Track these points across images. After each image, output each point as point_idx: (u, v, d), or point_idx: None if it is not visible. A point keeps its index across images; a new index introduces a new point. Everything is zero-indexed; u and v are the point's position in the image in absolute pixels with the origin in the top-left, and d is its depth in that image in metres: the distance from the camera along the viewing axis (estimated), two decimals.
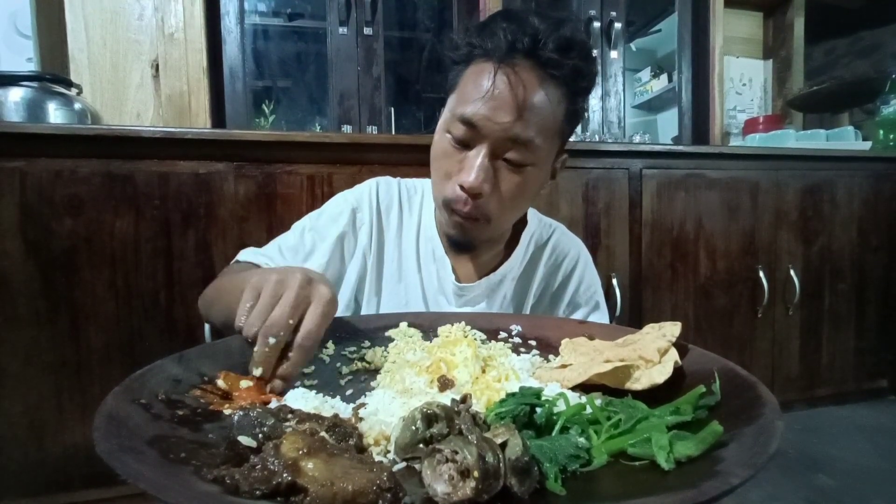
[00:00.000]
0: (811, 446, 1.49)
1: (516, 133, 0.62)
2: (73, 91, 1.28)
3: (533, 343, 0.60)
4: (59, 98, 1.22)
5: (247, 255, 0.76)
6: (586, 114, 2.01)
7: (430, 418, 0.33)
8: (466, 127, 0.63)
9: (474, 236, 0.70)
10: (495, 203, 0.66)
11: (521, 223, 0.83)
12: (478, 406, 0.39)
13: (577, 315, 0.81)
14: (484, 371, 0.48)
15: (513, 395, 0.38)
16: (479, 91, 0.62)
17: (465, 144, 0.65)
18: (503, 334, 0.62)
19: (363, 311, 0.79)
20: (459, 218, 0.67)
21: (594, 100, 2.03)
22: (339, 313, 0.75)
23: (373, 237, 0.79)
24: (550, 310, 0.83)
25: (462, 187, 0.64)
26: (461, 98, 0.64)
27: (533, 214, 0.85)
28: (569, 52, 0.63)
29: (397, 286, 0.79)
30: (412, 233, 0.80)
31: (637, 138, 1.96)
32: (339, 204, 0.80)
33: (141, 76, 1.54)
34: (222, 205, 1.15)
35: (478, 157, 0.63)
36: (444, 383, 0.44)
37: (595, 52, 2.01)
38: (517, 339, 0.61)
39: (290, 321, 0.44)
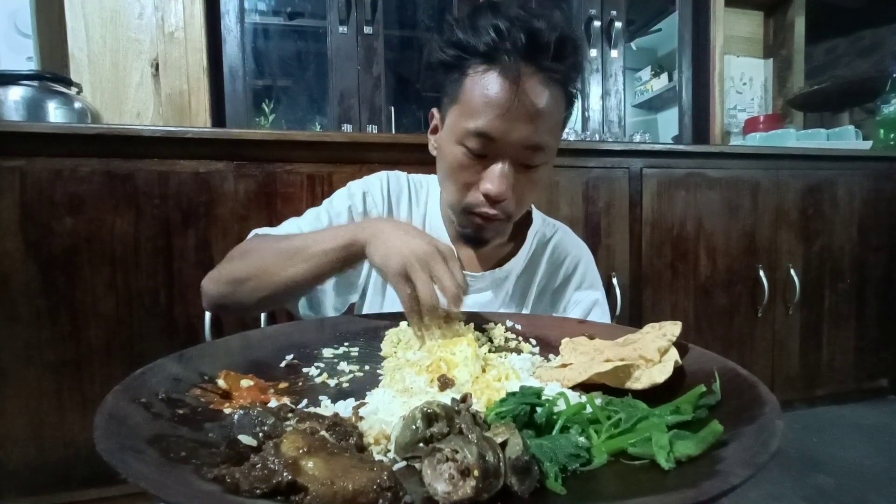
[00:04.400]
0: (811, 446, 1.49)
1: (533, 141, 0.65)
2: (73, 90, 1.28)
3: (533, 342, 0.60)
4: (59, 97, 1.22)
5: (264, 233, 0.76)
6: (586, 110, 2.01)
7: (430, 417, 0.33)
8: (483, 140, 0.64)
9: (491, 233, 0.73)
10: (515, 203, 0.69)
11: (528, 221, 0.84)
12: (478, 405, 0.39)
13: (578, 312, 0.81)
14: (484, 370, 0.48)
15: (513, 394, 0.38)
16: (492, 106, 0.63)
17: (481, 155, 0.66)
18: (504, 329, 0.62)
19: (369, 298, 0.80)
20: (482, 220, 0.70)
21: (594, 99, 2.03)
22: (350, 298, 0.79)
23: None
24: (551, 307, 0.83)
25: (488, 197, 0.67)
26: (470, 111, 0.64)
27: (537, 214, 0.87)
28: (566, 52, 0.64)
29: None
30: (419, 224, 0.82)
31: (637, 137, 1.95)
32: (351, 188, 0.82)
33: (141, 75, 1.53)
34: (222, 204, 1.15)
35: (498, 167, 0.66)
36: (445, 383, 0.44)
37: (595, 53, 2.00)
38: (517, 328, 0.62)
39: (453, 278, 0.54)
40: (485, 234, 0.72)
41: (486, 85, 0.63)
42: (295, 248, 0.63)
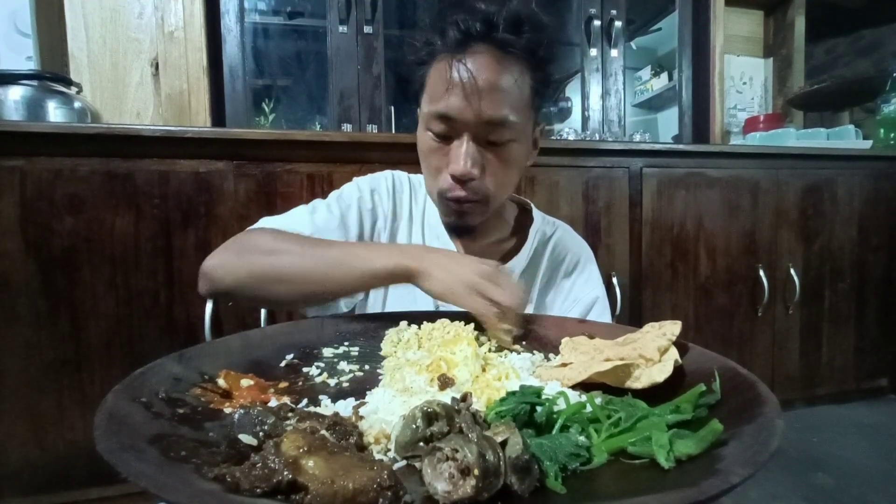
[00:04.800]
0: (811, 445, 1.49)
1: (489, 116, 0.66)
2: (73, 90, 1.28)
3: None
4: (59, 97, 1.22)
5: (272, 223, 0.74)
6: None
7: (430, 417, 0.33)
8: (443, 122, 0.67)
9: (473, 218, 0.73)
10: (487, 183, 0.70)
11: (529, 220, 0.85)
12: (478, 405, 0.39)
13: (578, 309, 0.82)
14: (484, 370, 0.48)
15: (513, 393, 0.38)
16: (446, 85, 0.65)
17: (446, 137, 0.68)
18: None
19: (372, 295, 0.80)
20: (456, 204, 0.71)
21: (594, 99, 2.03)
22: (358, 296, 0.78)
23: (388, 220, 0.82)
24: (552, 304, 0.84)
25: (454, 177, 0.68)
26: (432, 96, 0.68)
27: (537, 213, 0.87)
28: (520, 28, 0.65)
29: None
30: (419, 221, 0.83)
31: (637, 137, 1.95)
32: (359, 183, 0.84)
33: (141, 75, 1.53)
34: (222, 203, 1.15)
35: (462, 146, 0.67)
36: (445, 382, 0.44)
37: (595, 52, 2.00)
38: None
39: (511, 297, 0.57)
40: (466, 219, 0.73)
41: (443, 68, 0.66)
42: (336, 260, 0.63)
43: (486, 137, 0.68)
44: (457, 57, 0.65)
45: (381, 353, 0.55)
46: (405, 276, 0.61)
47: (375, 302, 0.80)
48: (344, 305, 0.78)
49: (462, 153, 0.66)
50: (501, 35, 0.64)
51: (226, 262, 0.66)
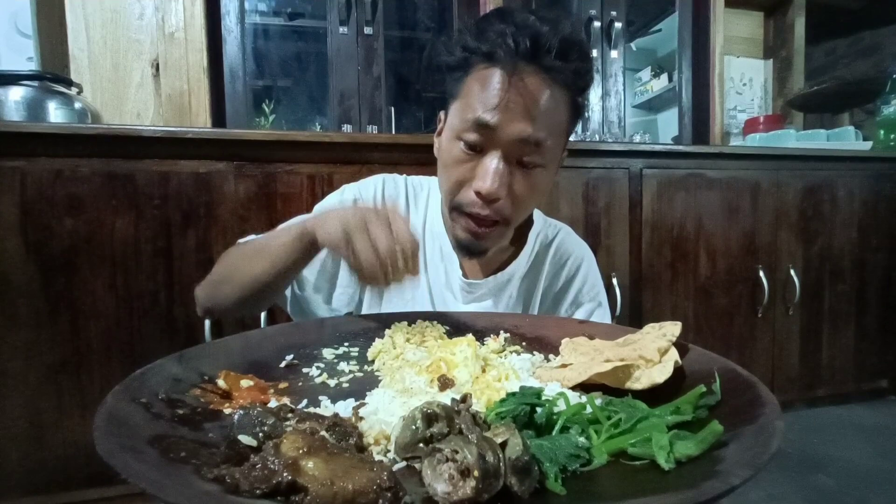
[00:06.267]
0: (811, 446, 1.49)
1: (530, 137, 0.63)
2: (74, 90, 1.28)
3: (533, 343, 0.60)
4: (60, 97, 1.22)
5: (246, 239, 0.77)
6: (586, 112, 2.01)
7: (430, 418, 0.33)
8: (480, 134, 0.64)
9: (489, 242, 0.71)
10: (510, 205, 0.67)
11: (528, 223, 0.83)
12: (478, 405, 0.39)
13: (580, 314, 0.81)
14: (484, 370, 0.48)
15: (513, 394, 0.38)
16: (490, 98, 0.63)
17: (477, 150, 0.65)
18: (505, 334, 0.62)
19: (365, 306, 0.80)
20: (474, 224, 0.68)
21: (594, 100, 2.03)
22: (343, 308, 0.77)
23: None
24: (553, 309, 0.83)
25: (479, 194, 0.65)
26: (470, 105, 0.65)
27: (538, 215, 0.86)
28: (570, 55, 0.63)
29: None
30: (418, 228, 0.81)
31: (637, 138, 1.96)
32: (344, 191, 0.82)
33: (141, 75, 1.54)
34: (223, 204, 1.15)
35: (492, 163, 0.64)
36: (445, 383, 0.44)
37: (595, 53, 2.01)
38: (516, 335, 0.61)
39: (393, 237, 0.53)
40: (482, 241, 0.70)
41: (485, 79, 0.64)
42: (257, 247, 0.66)
43: (518, 157, 0.65)
44: (503, 70, 0.62)
45: (368, 354, 0.55)
46: (310, 239, 0.60)
47: (372, 303, 0.79)
48: (327, 309, 0.78)
49: (492, 171, 0.64)
50: (551, 58, 0.62)
51: (202, 283, 0.72)
